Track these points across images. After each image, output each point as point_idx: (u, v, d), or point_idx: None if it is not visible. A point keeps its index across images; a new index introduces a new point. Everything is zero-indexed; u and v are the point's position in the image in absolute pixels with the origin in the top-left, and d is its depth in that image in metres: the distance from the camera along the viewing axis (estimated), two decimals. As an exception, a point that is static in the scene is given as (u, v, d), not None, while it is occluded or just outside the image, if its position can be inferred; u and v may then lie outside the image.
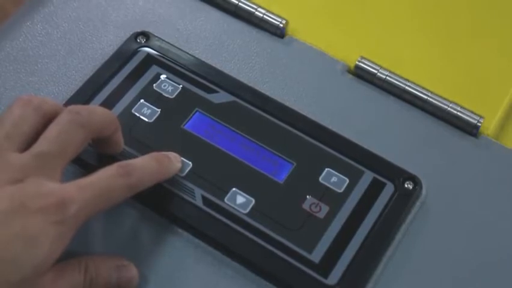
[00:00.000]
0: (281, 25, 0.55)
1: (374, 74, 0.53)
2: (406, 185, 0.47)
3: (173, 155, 0.46)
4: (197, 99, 0.51)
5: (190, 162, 0.47)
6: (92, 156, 0.47)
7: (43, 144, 0.40)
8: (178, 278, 0.44)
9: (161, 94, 0.51)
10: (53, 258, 0.38)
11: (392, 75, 0.53)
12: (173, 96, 0.51)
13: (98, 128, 0.43)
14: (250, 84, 0.52)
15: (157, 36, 0.54)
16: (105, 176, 0.40)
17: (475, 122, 0.51)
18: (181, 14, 0.56)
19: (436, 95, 0.52)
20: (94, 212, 0.39)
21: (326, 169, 0.48)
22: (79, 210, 0.38)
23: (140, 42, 0.53)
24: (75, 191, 0.39)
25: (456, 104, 0.52)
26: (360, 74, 0.54)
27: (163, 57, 0.53)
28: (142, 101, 0.50)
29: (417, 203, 0.48)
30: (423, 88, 0.52)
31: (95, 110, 0.43)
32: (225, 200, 0.46)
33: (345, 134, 0.50)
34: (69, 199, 0.38)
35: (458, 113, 0.51)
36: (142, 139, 0.48)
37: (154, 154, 0.45)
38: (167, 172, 0.45)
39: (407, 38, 0.57)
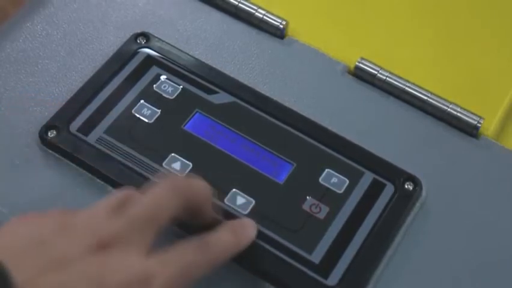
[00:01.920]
0: (281, 26, 0.55)
1: (374, 75, 0.53)
2: (406, 186, 0.47)
3: (247, 221, 0.44)
4: (197, 100, 0.51)
5: (190, 163, 0.47)
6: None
7: (137, 208, 0.38)
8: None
9: (161, 95, 0.51)
10: None
11: (392, 76, 0.53)
12: (174, 97, 0.51)
13: (192, 200, 0.41)
14: (250, 85, 0.52)
15: (157, 37, 0.54)
16: (186, 252, 0.39)
17: (475, 122, 0.51)
18: (181, 15, 0.56)
19: (436, 95, 0.52)
20: None
21: (326, 170, 0.48)
22: None
23: (141, 43, 0.53)
24: (158, 267, 0.37)
25: (456, 104, 0.52)
26: (360, 74, 0.54)
27: (163, 58, 0.53)
28: (142, 101, 0.50)
29: (418, 204, 0.48)
30: (423, 89, 0.52)
31: (193, 181, 0.41)
32: (225, 200, 0.46)
33: (345, 135, 0.50)
34: (152, 275, 0.36)
35: (458, 114, 0.51)
36: (142, 140, 0.48)
37: (229, 225, 0.43)
38: (244, 243, 0.43)
39: (407, 39, 0.57)
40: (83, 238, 0.36)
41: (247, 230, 0.43)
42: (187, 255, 0.39)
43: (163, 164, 0.47)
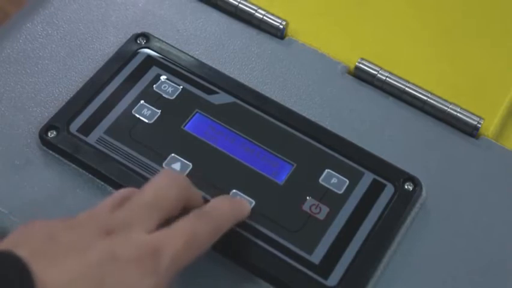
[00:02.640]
0: (281, 26, 0.55)
1: (374, 75, 0.53)
2: (406, 186, 0.47)
3: (239, 198, 0.46)
4: (197, 100, 0.51)
5: (190, 164, 0.48)
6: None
7: (139, 197, 0.40)
8: (176, 278, 0.44)
9: (161, 95, 0.51)
10: None
11: (392, 77, 0.53)
12: (174, 97, 0.51)
13: (189, 195, 0.42)
14: (250, 86, 0.52)
15: (157, 38, 0.54)
16: (186, 223, 0.40)
17: (475, 123, 0.51)
18: (181, 15, 0.56)
19: (436, 96, 0.52)
20: (185, 262, 0.39)
21: (326, 170, 0.48)
22: (171, 260, 0.37)
23: (141, 44, 0.53)
24: (164, 240, 0.38)
25: (456, 105, 0.52)
26: (360, 75, 0.54)
27: (163, 59, 0.53)
28: (142, 102, 0.50)
29: (417, 204, 0.48)
30: (423, 89, 0.52)
31: (191, 184, 0.43)
32: (225, 201, 0.46)
33: (345, 135, 0.50)
34: (161, 249, 0.37)
35: (458, 114, 0.51)
36: (142, 140, 0.48)
37: (224, 196, 0.44)
38: (242, 212, 0.44)
39: (406, 39, 0.57)
40: (90, 229, 0.38)
41: (241, 202, 0.45)
42: (191, 225, 0.40)
43: (163, 164, 0.47)
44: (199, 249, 0.40)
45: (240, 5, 0.56)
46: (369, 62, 0.53)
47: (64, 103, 0.50)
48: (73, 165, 0.48)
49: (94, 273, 0.35)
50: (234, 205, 0.44)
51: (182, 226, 0.39)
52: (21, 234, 0.37)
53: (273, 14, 0.55)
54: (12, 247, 0.35)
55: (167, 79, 0.52)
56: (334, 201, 0.47)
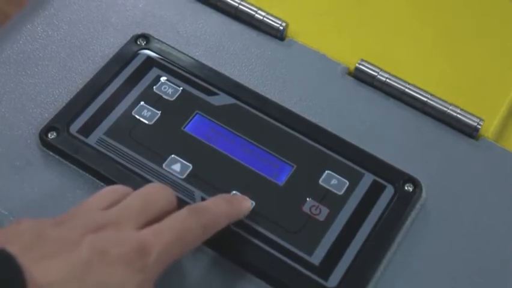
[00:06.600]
0: (281, 27, 0.55)
1: (374, 77, 0.53)
2: (406, 187, 0.47)
3: (240, 196, 0.46)
4: (197, 101, 0.51)
5: (190, 165, 0.48)
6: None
7: (128, 199, 0.41)
8: (176, 278, 0.44)
9: (161, 96, 0.51)
10: None
11: (392, 78, 0.53)
12: (174, 98, 0.51)
13: (175, 206, 0.42)
14: (250, 87, 0.52)
15: (157, 39, 0.54)
16: (178, 218, 0.40)
17: (475, 124, 0.51)
18: (181, 17, 0.56)
19: (436, 97, 0.52)
20: (174, 257, 0.39)
21: (326, 171, 0.48)
22: (159, 256, 0.38)
23: (141, 45, 0.53)
24: (153, 236, 0.38)
25: (456, 106, 0.52)
26: (360, 76, 0.54)
27: (163, 60, 0.53)
28: (142, 103, 0.50)
29: (417, 205, 0.48)
30: (423, 90, 0.52)
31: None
32: (225, 202, 0.46)
33: (345, 136, 0.50)
34: (149, 244, 0.38)
35: (458, 115, 0.51)
36: (143, 141, 0.48)
37: (223, 195, 0.45)
38: (239, 211, 0.44)
39: (407, 40, 0.57)
40: (79, 225, 0.38)
41: (241, 201, 0.45)
42: (180, 221, 0.40)
43: (163, 165, 0.47)
44: (188, 245, 0.40)
45: (240, 6, 0.56)
46: (369, 63, 0.53)
47: (64, 104, 0.50)
48: (73, 166, 0.48)
49: (82, 269, 0.36)
50: (232, 203, 0.44)
51: (173, 221, 0.40)
52: (10, 232, 0.38)
53: (273, 15, 0.55)
54: (2, 243, 0.35)
55: (167, 80, 0.52)
56: (334, 202, 0.47)
